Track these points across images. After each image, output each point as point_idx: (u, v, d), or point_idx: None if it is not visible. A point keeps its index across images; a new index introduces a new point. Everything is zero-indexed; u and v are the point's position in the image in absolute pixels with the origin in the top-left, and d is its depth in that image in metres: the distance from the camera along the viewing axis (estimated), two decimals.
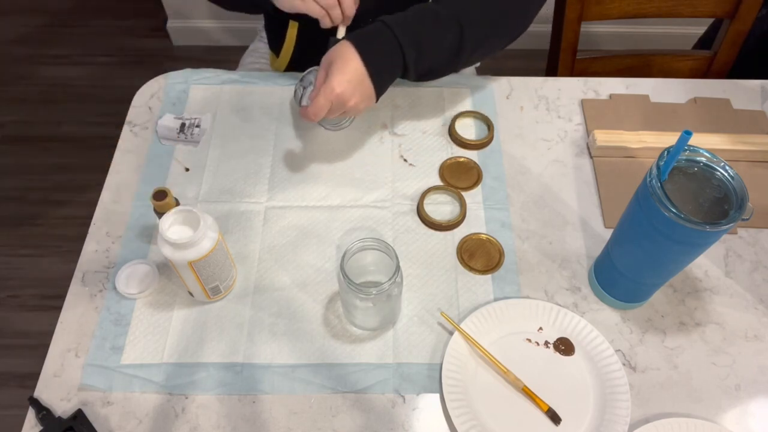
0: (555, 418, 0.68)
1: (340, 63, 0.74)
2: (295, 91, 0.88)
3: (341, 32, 0.79)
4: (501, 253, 0.80)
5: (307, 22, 0.83)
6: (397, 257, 0.67)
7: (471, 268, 0.79)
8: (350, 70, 0.74)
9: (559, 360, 0.72)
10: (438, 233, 0.83)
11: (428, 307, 0.76)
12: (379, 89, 0.78)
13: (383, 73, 0.78)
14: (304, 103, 0.84)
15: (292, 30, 1.00)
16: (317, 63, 0.91)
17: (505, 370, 0.70)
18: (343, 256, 0.67)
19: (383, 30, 0.77)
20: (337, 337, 0.74)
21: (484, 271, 0.79)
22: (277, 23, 1.02)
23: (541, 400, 0.69)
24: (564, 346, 0.73)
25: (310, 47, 0.90)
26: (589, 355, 0.72)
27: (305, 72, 0.88)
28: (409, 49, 0.77)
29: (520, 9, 0.85)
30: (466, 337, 0.72)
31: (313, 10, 0.78)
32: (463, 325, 0.73)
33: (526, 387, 0.69)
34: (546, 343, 0.73)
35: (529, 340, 0.74)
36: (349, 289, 0.66)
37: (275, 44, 1.07)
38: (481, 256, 0.80)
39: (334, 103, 0.74)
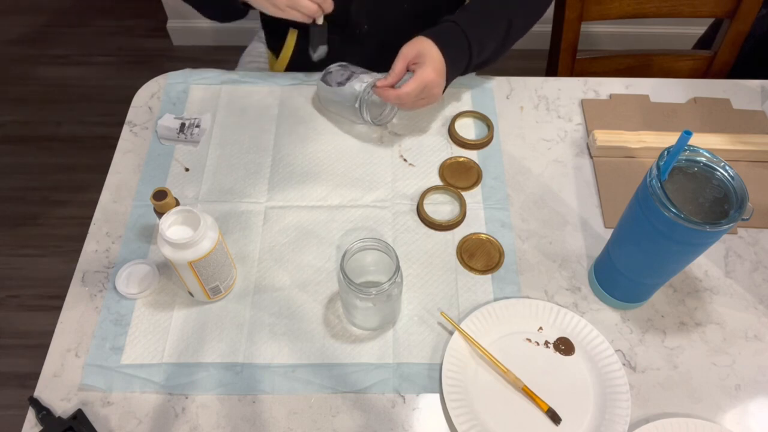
0: (555, 418, 0.68)
1: (429, 56, 0.80)
2: (324, 78, 0.90)
3: (320, 19, 0.83)
4: (501, 253, 0.80)
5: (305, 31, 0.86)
6: (397, 257, 0.67)
7: (471, 268, 0.79)
8: (437, 62, 0.81)
9: (559, 360, 0.72)
10: (438, 233, 0.83)
11: (428, 307, 0.76)
12: (448, 82, 0.85)
13: (456, 69, 0.84)
14: (362, 93, 0.86)
15: (291, 38, 1.01)
16: (313, 66, 0.92)
17: (505, 370, 0.70)
18: (343, 256, 0.67)
19: (456, 30, 0.83)
20: (337, 337, 0.74)
21: (484, 271, 0.79)
22: (275, 24, 1.02)
23: (541, 400, 0.69)
24: (564, 346, 0.73)
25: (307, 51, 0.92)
26: (589, 355, 0.72)
27: (331, 69, 0.90)
28: (475, 47, 0.84)
29: None
30: (466, 337, 0.72)
31: (296, 16, 0.81)
32: (463, 325, 0.73)
33: (526, 387, 0.69)
34: (546, 343, 0.73)
35: (529, 340, 0.74)
36: (349, 289, 0.66)
37: (274, 43, 1.07)
38: (481, 256, 0.80)
39: (424, 90, 0.81)
